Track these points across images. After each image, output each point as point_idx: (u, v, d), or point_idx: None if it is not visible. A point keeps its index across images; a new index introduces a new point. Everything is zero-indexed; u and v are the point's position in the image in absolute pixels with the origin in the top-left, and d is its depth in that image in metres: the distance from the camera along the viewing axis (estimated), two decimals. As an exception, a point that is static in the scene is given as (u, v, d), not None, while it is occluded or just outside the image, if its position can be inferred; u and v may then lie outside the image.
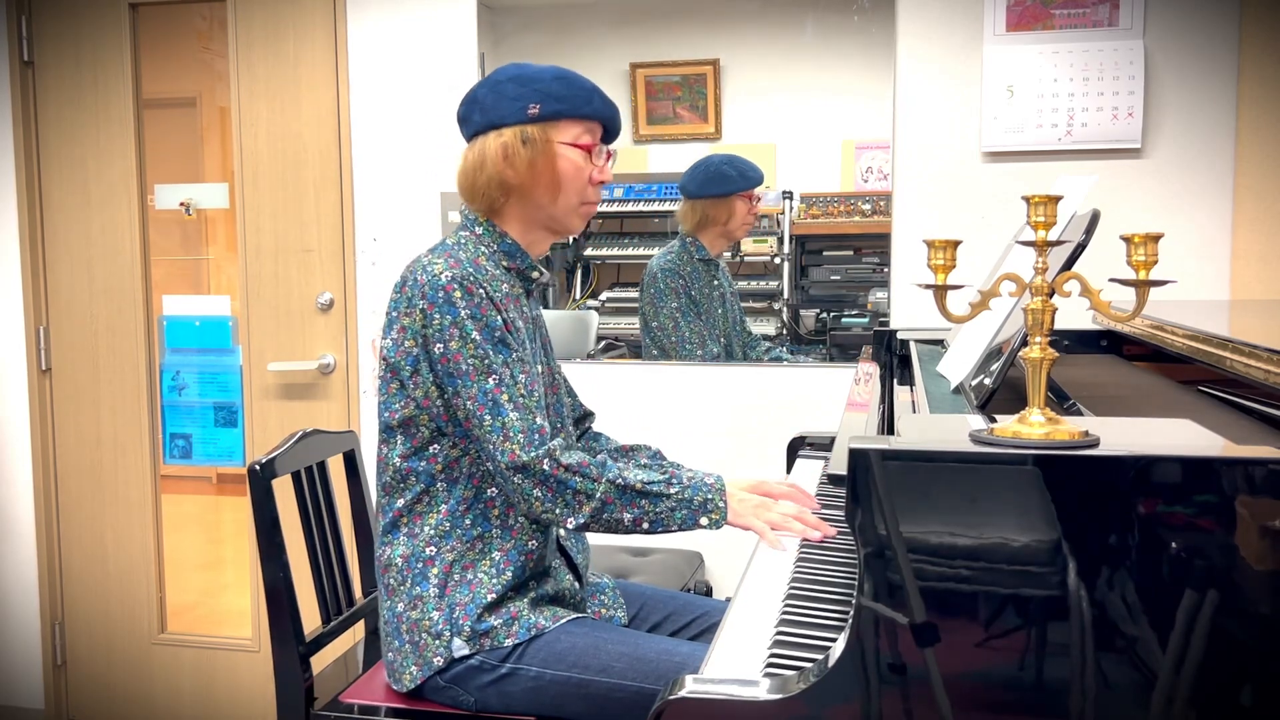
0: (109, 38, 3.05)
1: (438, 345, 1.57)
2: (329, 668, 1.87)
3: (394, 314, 1.62)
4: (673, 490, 1.58)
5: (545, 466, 1.55)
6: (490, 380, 1.56)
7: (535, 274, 1.73)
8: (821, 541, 1.55)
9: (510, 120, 1.64)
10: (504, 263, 1.69)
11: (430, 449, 1.63)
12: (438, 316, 1.56)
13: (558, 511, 1.57)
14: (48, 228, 3.15)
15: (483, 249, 1.68)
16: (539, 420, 1.57)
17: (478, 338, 1.56)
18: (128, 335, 3.13)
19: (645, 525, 1.57)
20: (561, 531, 1.77)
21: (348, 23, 2.89)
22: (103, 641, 3.24)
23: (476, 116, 1.67)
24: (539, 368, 1.74)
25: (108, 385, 3.16)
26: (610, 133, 1.73)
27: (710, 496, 1.58)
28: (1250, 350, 1.26)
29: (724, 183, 2.78)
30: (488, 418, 1.56)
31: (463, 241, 1.67)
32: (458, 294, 1.56)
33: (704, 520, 1.58)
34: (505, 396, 1.56)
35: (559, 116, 1.65)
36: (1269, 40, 2.36)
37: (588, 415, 1.96)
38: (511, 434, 1.55)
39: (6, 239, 3.15)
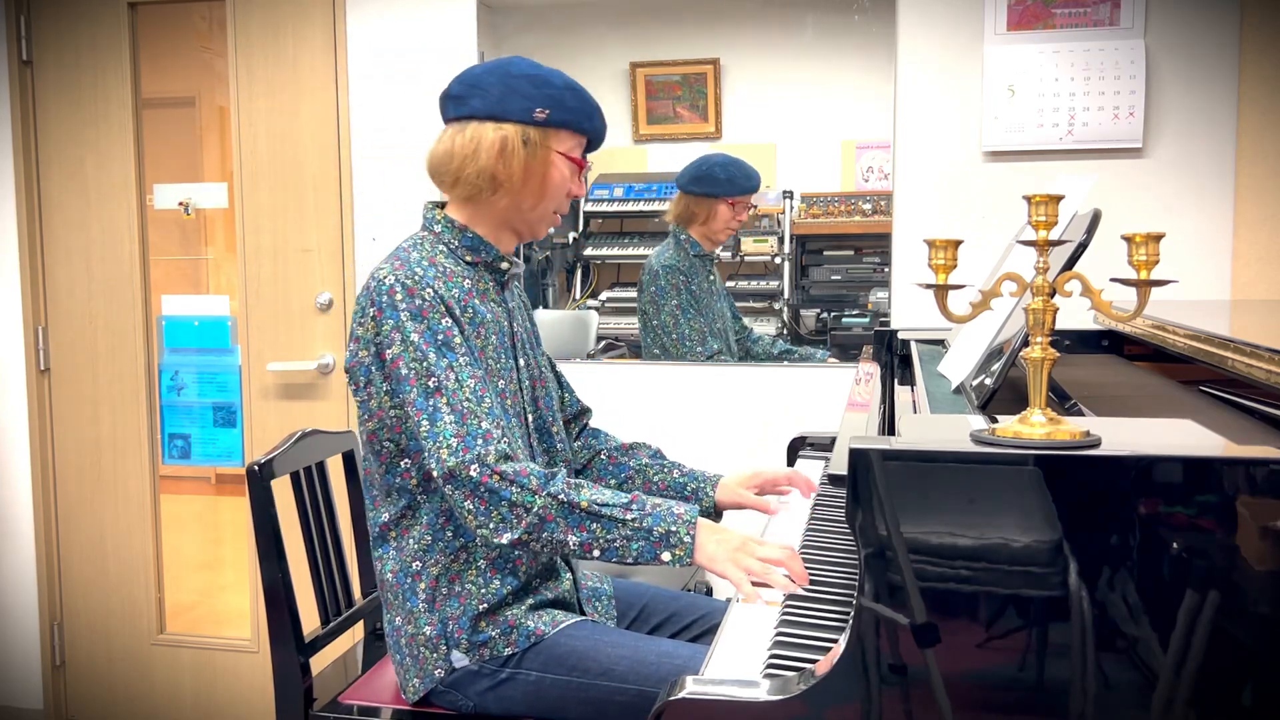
0: (108, 37, 3.05)
1: (386, 351, 1.53)
2: (328, 669, 1.87)
3: (353, 324, 1.59)
4: (630, 516, 1.45)
5: (474, 472, 1.45)
6: (430, 383, 1.50)
7: (505, 264, 1.69)
8: (807, 582, 1.41)
9: (514, 117, 1.61)
10: (468, 257, 1.66)
11: (401, 464, 1.60)
12: (385, 321, 1.53)
13: (491, 525, 1.45)
14: (46, 227, 3.15)
15: (441, 247, 1.65)
16: (483, 425, 1.48)
17: (416, 339, 1.51)
18: (126, 335, 3.13)
19: (596, 552, 1.45)
20: None
21: (347, 23, 2.89)
22: (102, 642, 3.23)
23: (477, 102, 1.62)
24: (518, 361, 1.72)
25: (106, 385, 3.15)
26: (593, 147, 1.72)
27: (675, 529, 1.44)
28: (1252, 350, 1.26)
29: (709, 184, 2.78)
30: (425, 423, 1.49)
31: (418, 242, 1.65)
32: (399, 295, 1.53)
33: (665, 555, 1.43)
34: (444, 401, 1.49)
35: (562, 126, 1.63)
36: (1269, 40, 2.36)
37: (584, 411, 1.92)
38: (444, 440, 1.47)
39: (5, 239, 3.15)
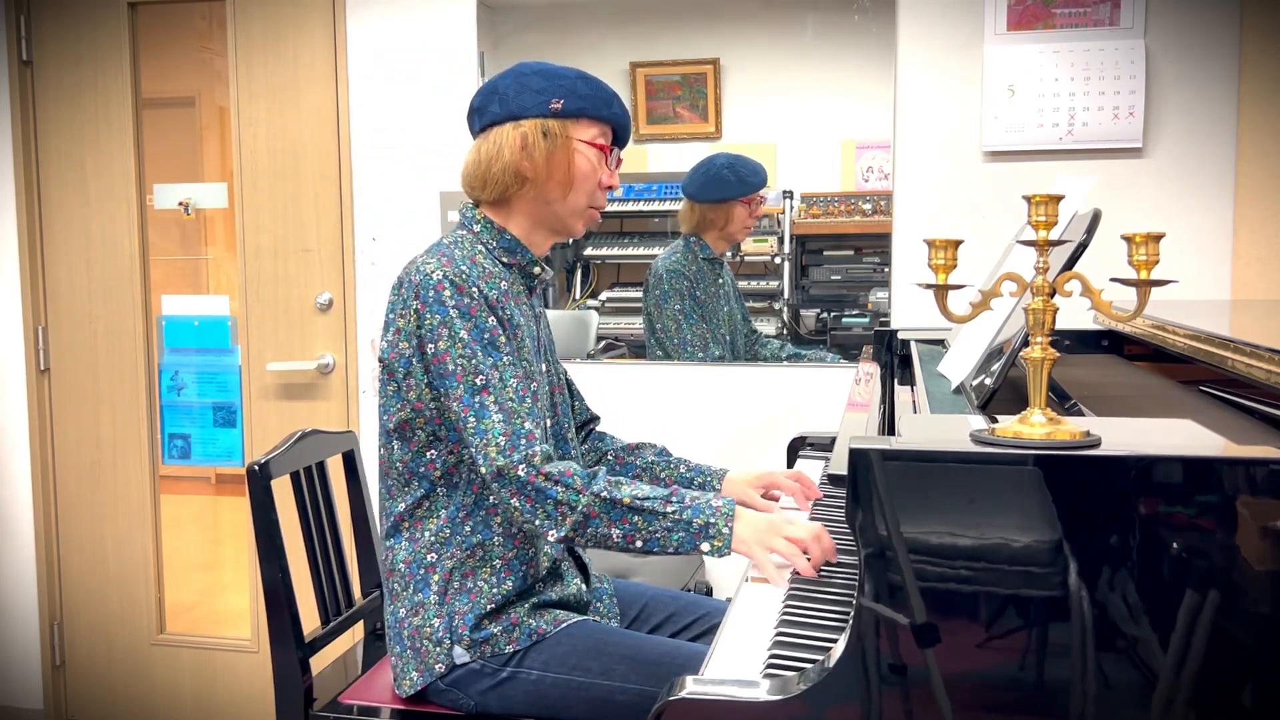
0: (108, 37, 3.05)
1: (430, 345, 1.55)
2: (328, 668, 1.87)
3: (390, 315, 1.61)
4: (670, 509, 1.49)
5: (522, 473, 1.49)
6: (478, 381, 1.53)
7: (537, 270, 1.71)
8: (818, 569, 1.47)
9: (531, 112, 1.63)
10: (504, 259, 1.68)
11: (428, 454, 1.62)
12: (429, 316, 1.55)
13: (538, 523, 1.50)
14: (46, 227, 3.15)
15: (480, 246, 1.66)
16: (527, 425, 1.52)
17: (465, 337, 1.54)
18: (126, 335, 3.12)
19: (638, 544, 1.49)
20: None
21: (347, 22, 2.89)
22: (102, 642, 3.23)
23: (495, 107, 1.64)
24: (542, 366, 1.73)
25: (106, 385, 3.15)
26: (620, 140, 1.73)
27: (713, 520, 1.48)
28: (1252, 350, 1.26)
29: (722, 188, 2.77)
30: (472, 420, 1.52)
31: (459, 240, 1.66)
32: (447, 293, 1.54)
33: (705, 546, 1.48)
34: (491, 399, 1.52)
35: (580, 114, 1.64)
36: (1269, 40, 2.36)
37: (593, 418, 1.94)
38: (492, 438, 1.51)
39: (5, 239, 3.15)
